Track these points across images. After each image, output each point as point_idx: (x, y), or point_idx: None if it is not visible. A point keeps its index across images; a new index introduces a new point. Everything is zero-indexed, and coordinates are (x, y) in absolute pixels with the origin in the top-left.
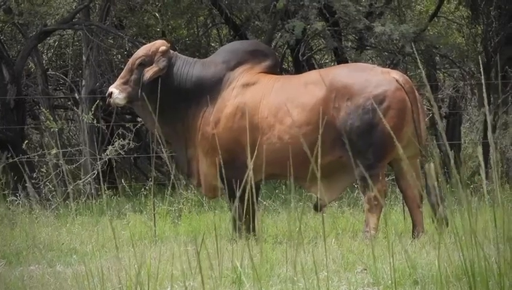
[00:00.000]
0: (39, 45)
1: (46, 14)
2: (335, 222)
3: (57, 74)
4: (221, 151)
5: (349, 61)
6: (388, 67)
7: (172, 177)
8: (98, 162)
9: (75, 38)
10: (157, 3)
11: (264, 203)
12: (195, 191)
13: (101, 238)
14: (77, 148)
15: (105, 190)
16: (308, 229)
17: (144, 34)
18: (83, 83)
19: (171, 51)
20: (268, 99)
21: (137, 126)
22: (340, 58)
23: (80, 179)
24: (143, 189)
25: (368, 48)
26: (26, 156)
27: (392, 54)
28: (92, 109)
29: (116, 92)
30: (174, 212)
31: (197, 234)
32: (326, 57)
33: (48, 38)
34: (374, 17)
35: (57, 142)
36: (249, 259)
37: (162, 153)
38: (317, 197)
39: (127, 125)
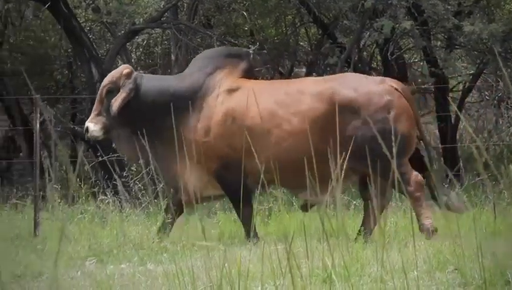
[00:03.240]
0: (128, 43)
1: (135, 13)
2: None
3: (146, 72)
4: (216, 158)
5: (438, 60)
6: (478, 66)
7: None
8: None
9: (164, 37)
10: (244, 2)
11: (354, 202)
12: (285, 191)
13: (191, 237)
14: None
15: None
16: (398, 228)
17: (232, 33)
18: None
19: (135, 72)
20: (258, 104)
21: None
22: (429, 58)
23: None
24: None
25: (457, 47)
26: (116, 155)
27: (481, 53)
28: None
29: (92, 126)
30: (264, 211)
31: (286, 233)
32: (415, 56)
33: (137, 37)
34: (462, 16)
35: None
36: (339, 258)
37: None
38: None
39: None
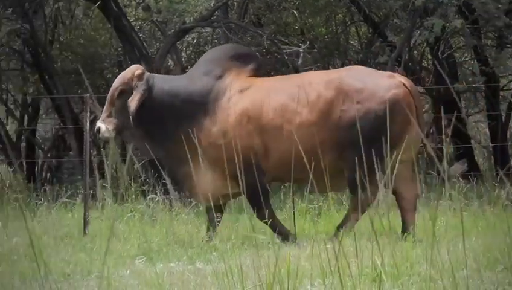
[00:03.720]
0: (178, 42)
1: (185, 11)
2: (475, 221)
3: None
4: (237, 160)
5: (489, 59)
6: None
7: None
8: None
9: (214, 36)
10: (295, 1)
11: None
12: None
13: (241, 235)
14: None
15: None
16: (448, 228)
17: (282, 31)
18: None
19: (147, 73)
20: (270, 100)
21: None
22: (480, 56)
23: None
24: (282, 187)
25: (508, 45)
26: None
27: None
28: None
29: (104, 127)
30: (314, 210)
31: (336, 232)
32: (466, 55)
33: (187, 36)
34: None
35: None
36: (389, 257)
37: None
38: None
39: None
